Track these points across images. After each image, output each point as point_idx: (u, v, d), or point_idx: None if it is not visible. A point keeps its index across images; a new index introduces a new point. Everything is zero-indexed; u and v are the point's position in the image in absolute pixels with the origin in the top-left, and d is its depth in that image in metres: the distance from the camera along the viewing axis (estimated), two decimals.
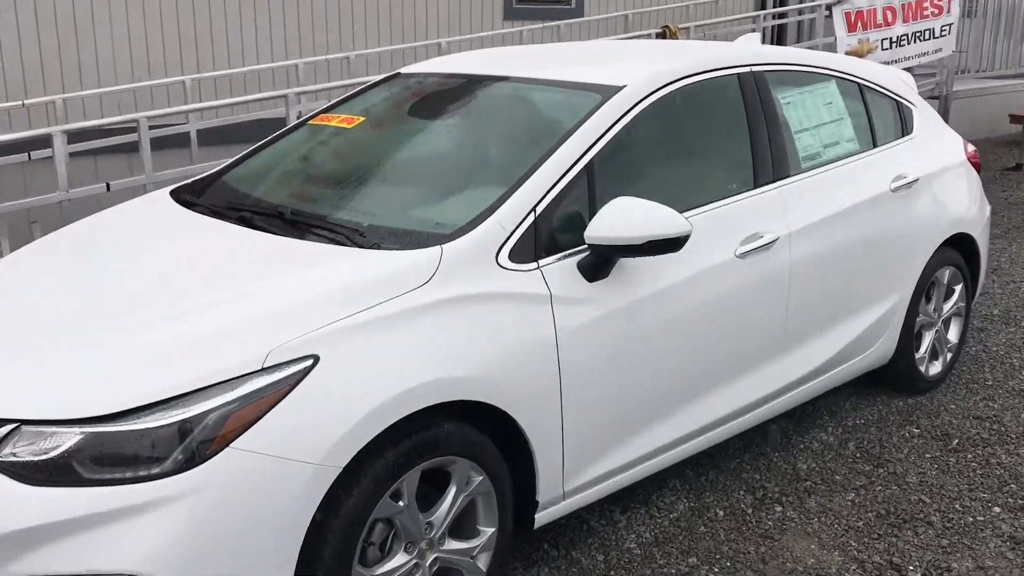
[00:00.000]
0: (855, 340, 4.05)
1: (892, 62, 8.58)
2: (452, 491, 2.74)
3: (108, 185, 4.80)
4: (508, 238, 2.85)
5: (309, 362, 2.41)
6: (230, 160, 3.85)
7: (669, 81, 3.39)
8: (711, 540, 3.39)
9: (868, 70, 4.29)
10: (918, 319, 4.42)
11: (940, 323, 4.60)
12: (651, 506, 3.60)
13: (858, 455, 3.99)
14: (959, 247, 4.59)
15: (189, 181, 3.78)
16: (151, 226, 3.29)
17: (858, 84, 4.21)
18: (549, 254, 2.94)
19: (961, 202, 4.53)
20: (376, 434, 2.46)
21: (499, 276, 2.80)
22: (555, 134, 3.14)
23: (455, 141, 3.43)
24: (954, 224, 4.46)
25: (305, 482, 2.34)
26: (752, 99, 3.65)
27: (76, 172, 5.63)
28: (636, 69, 3.43)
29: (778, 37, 10.82)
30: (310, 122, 3.94)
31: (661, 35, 7.64)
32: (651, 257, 3.07)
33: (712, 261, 3.32)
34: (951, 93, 9.40)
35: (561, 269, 2.93)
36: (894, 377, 4.51)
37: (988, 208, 4.82)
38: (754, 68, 3.72)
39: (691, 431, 3.38)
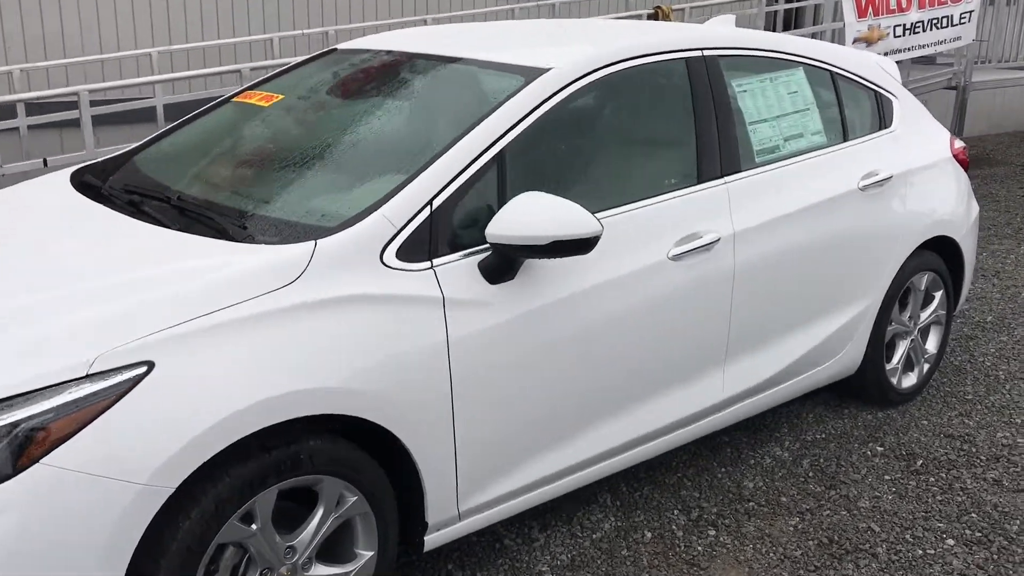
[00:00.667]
0: (814, 349, 3.75)
1: (905, 50, 8.20)
2: (319, 513, 2.49)
3: (45, 161, 4.58)
4: (397, 234, 2.58)
5: (141, 369, 2.16)
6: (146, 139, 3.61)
7: (602, 65, 3.10)
8: (632, 566, 3.12)
9: (843, 57, 3.96)
10: (890, 327, 4.11)
11: (916, 332, 4.28)
12: (575, 524, 3.33)
13: (811, 474, 3.70)
14: (940, 251, 4.26)
15: (98, 161, 3.55)
16: (28, 212, 3.06)
17: (830, 72, 3.88)
18: (448, 253, 2.67)
19: (943, 202, 4.20)
20: (219, 451, 2.21)
21: (383, 276, 2.54)
22: (468, 119, 2.86)
23: (367, 124, 3.16)
24: (934, 226, 4.13)
25: (127, 505, 2.10)
26: (701, 86, 3.35)
27: (40, 144, 5.43)
28: (568, 51, 3.15)
29: (796, 21, 10.41)
30: (235, 99, 3.69)
31: (653, 16, 7.31)
32: (565, 260, 2.80)
33: (640, 263, 3.03)
34: (970, 84, 8.98)
35: (459, 269, 2.66)
36: (862, 389, 4.20)
37: (976, 210, 4.48)
38: (706, 53, 3.41)
39: (614, 447, 3.11)
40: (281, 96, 3.48)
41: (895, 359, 4.21)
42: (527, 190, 2.72)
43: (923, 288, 4.21)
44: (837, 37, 8.88)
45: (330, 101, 3.43)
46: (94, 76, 6.40)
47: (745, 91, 3.53)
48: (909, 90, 8.43)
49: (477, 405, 2.69)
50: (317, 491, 2.48)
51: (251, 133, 3.39)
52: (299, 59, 3.90)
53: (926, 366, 4.38)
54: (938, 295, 4.33)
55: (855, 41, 7.81)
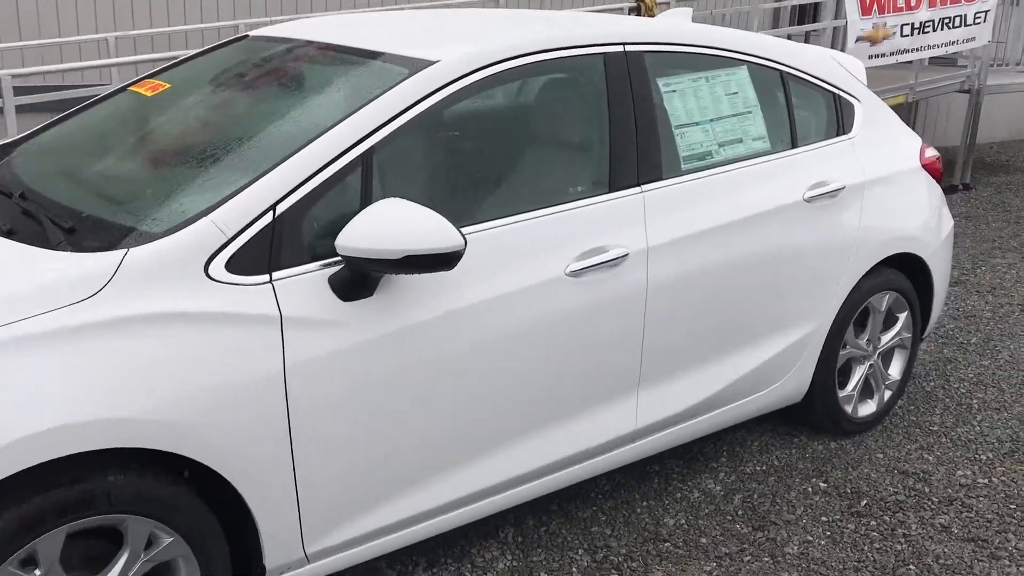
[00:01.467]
0: (751, 375, 3.43)
1: (913, 50, 7.79)
2: (124, 556, 2.22)
3: None
4: (228, 244, 2.30)
5: None
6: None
7: (499, 59, 2.79)
8: None
9: (796, 56, 3.62)
10: (843, 351, 3.77)
11: (876, 357, 3.93)
12: (466, 561, 3.04)
13: (740, 512, 3.37)
14: (905, 269, 3.91)
15: None
16: None
17: (780, 72, 3.54)
18: (293, 265, 2.38)
19: (908, 216, 3.84)
20: None
21: (208, 291, 2.26)
22: (337, 115, 2.57)
23: (233, 119, 2.89)
24: (896, 242, 3.78)
25: None
26: (618, 85, 3.03)
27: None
28: (463, 43, 2.85)
29: (799, 18, 9.98)
30: (130, 87, 3.42)
31: (635, 9, 6.96)
32: (440, 273, 2.51)
33: (531, 280, 2.73)
34: (984, 87, 8.52)
35: (304, 284, 2.38)
36: (813, 417, 3.86)
37: (949, 225, 4.12)
38: (629, 48, 3.09)
39: (496, 483, 2.81)
40: (167, 85, 3.21)
41: (850, 385, 3.87)
42: (399, 196, 2.43)
43: (883, 309, 3.86)
44: (839, 36, 8.48)
45: (208, 93, 3.15)
46: (52, 59, 6.19)
47: (674, 91, 3.20)
48: (918, 92, 8.09)
49: (321, 440, 2.41)
50: (122, 531, 2.20)
51: (122, 125, 3.13)
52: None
53: (887, 393, 4.03)
54: (902, 317, 3.97)
55: (858, 40, 7.42)
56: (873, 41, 7.54)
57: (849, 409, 3.87)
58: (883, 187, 3.73)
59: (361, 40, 3.01)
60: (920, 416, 4.13)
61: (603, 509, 3.36)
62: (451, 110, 2.73)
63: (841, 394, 3.83)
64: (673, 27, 3.31)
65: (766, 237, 3.32)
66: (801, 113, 3.62)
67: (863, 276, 3.70)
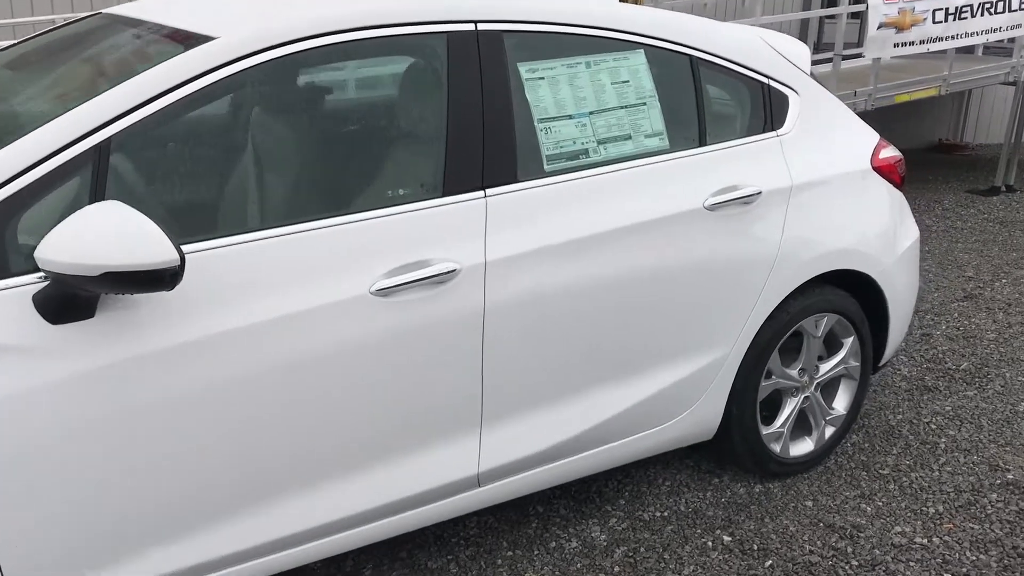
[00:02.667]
0: (637, 409, 2.95)
1: (947, 38, 7.09)
2: None
3: None
4: None
5: None
6: None
7: (296, 38, 2.36)
8: None
9: (714, 38, 3.10)
10: (767, 382, 3.26)
11: (814, 388, 3.41)
12: None
13: (617, 570, 2.91)
14: (853, 288, 3.38)
15: None
16: None
17: (690, 58, 3.04)
18: None
19: (851, 227, 3.30)
20: None
21: None
22: (83, 99, 2.18)
23: (26, 104, 2.51)
24: (834, 257, 3.25)
25: None
26: (463, 70, 2.58)
27: None
28: (256, 17, 2.43)
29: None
30: None
31: None
32: (192, 291, 2.11)
33: (320, 300, 2.31)
34: None
35: (2, 303, 2.00)
36: (734, 456, 3.36)
37: (912, 237, 3.55)
38: (482, 27, 2.64)
39: (285, 536, 2.40)
40: None
41: (778, 421, 3.35)
42: (141, 198, 2.04)
43: (820, 334, 3.33)
44: (858, 22, 7.81)
45: (19, 72, 2.80)
46: None
47: (541, 78, 2.74)
48: (952, 84, 7.38)
49: (23, 493, 2.03)
50: None
51: None
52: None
53: (830, 430, 3.50)
54: (848, 343, 3.44)
55: (881, 27, 6.77)
56: (899, 28, 6.87)
57: (777, 448, 3.36)
58: (818, 192, 3.20)
59: (184, 17, 2.61)
60: (873, 456, 3.59)
61: (459, 559, 2.92)
62: (232, 95, 2.32)
63: (766, 431, 3.32)
64: (550, 3, 2.83)
65: (653, 251, 2.83)
66: (715, 106, 3.12)
67: (790, 296, 3.18)
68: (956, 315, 5.04)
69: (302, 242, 2.30)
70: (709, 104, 3.08)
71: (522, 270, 2.59)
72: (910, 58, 7.60)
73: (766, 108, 3.19)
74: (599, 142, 2.82)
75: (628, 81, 2.90)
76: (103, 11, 3.10)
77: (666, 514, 3.19)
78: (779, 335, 3.21)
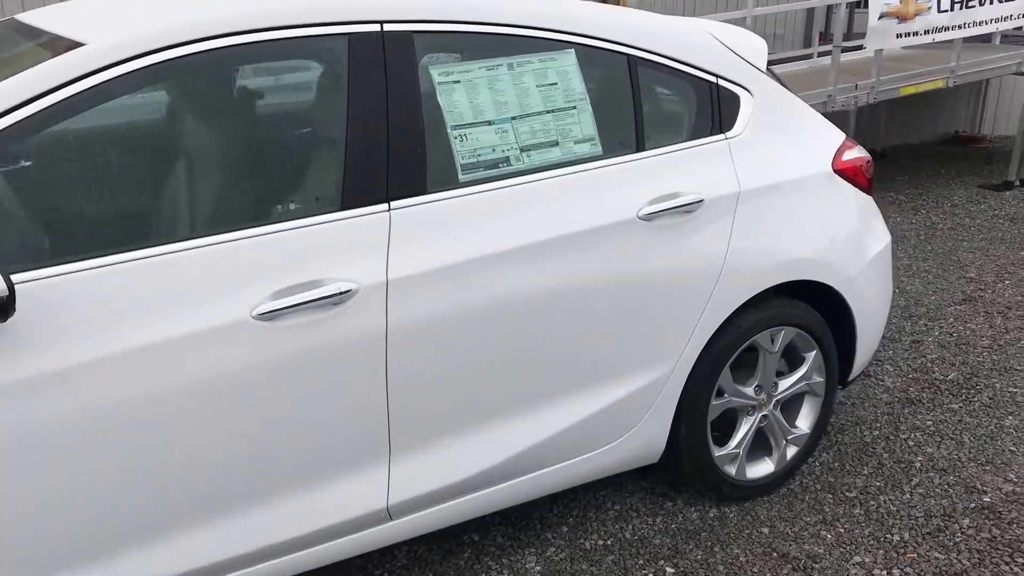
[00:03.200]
0: (569, 433, 2.77)
1: (954, 27, 6.81)
2: None
3: None
4: None
5: None
6: None
7: (172, 43, 2.19)
8: None
9: (655, 35, 2.89)
10: (719, 401, 3.06)
11: (773, 406, 3.20)
12: None
13: None
14: (815, 299, 3.18)
15: None
16: None
17: (628, 57, 2.84)
18: None
19: (809, 234, 3.09)
20: None
21: None
22: None
23: None
24: (789, 267, 3.04)
25: None
26: (366, 75, 2.40)
27: None
28: (128, 23, 2.27)
29: None
30: None
31: None
32: (49, 319, 1.97)
33: (193, 326, 2.14)
34: None
35: None
36: (686, 479, 3.17)
37: (880, 245, 3.33)
38: (389, 27, 2.46)
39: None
40: None
41: (733, 442, 3.16)
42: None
43: (777, 350, 3.13)
44: (857, 12, 7.53)
45: None
46: None
47: (456, 82, 2.56)
48: (960, 76, 7.10)
49: None
50: None
51: None
52: None
53: (792, 450, 3.30)
54: (810, 358, 3.23)
55: (882, 17, 6.51)
56: (902, 18, 6.61)
57: (732, 470, 3.16)
58: (770, 199, 3.00)
59: (64, 23, 2.45)
60: (841, 477, 3.37)
61: None
62: (98, 107, 2.16)
63: (719, 452, 3.12)
64: (467, 0, 2.64)
65: (580, 264, 2.65)
66: (656, 108, 2.92)
67: (741, 309, 2.98)
68: (951, 320, 4.80)
69: (175, 264, 2.14)
70: (649, 106, 2.88)
71: (431, 288, 2.42)
72: (920, 48, 7.33)
73: (714, 109, 2.99)
74: (522, 149, 2.64)
75: (556, 83, 2.71)
76: (15, 16, 2.96)
77: (609, 542, 3.00)
78: (730, 351, 3.01)
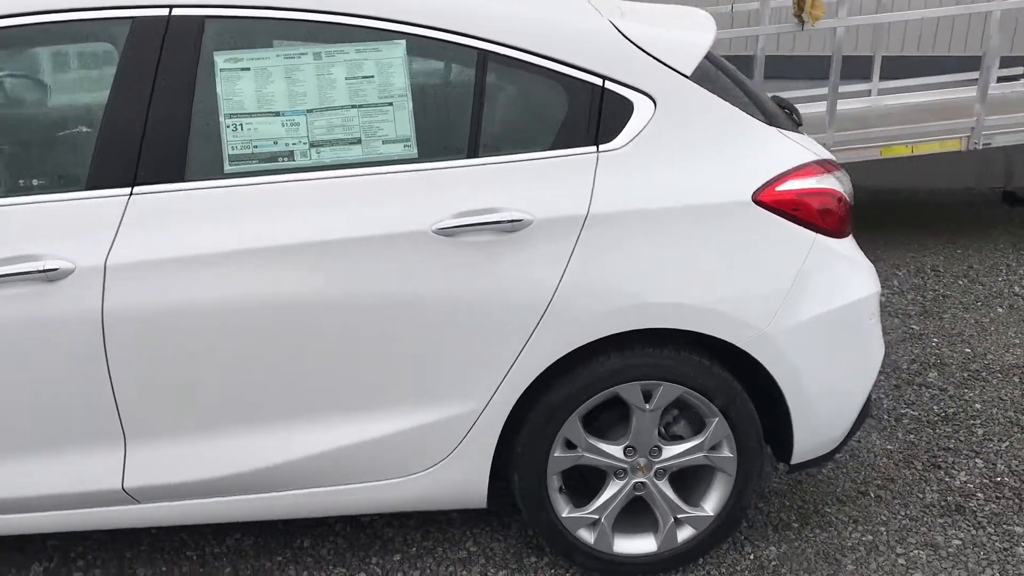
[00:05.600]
0: (339, 455, 2.56)
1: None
2: None
3: None
4: None
5: None
6: None
7: None
8: None
9: (522, 27, 2.51)
10: (568, 453, 2.65)
11: (654, 474, 2.70)
12: None
13: None
14: (728, 357, 2.63)
15: None
16: None
17: (479, 52, 2.53)
18: None
19: (690, 275, 2.52)
20: None
21: None
22: None
23: None
24: (660, 311, 2.51)
25: None
26: (137, 60, 2.40)
27: None
28: None
29: None
30: None
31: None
32: None
33: None
34: None
35: None
36: (537, 537, 2.79)
37: (841, 300, 2.63)
38: (178, 11, 2.44)
39: None
40: None
41: (592, 505, 2.71)
42: None
43: (652, 407, 2.62)
44: None
45: None
46: None
47: (245, 69, 2.47)
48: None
49: None
50: None
51: None
52: None
53: (687, 531, 2.76)
54: (712, 426, 2.66)
55: None
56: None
57: (589, 538, 2.72)
58: (635, 227, 2.49)
59: None
60: (760, 552, 2.75)
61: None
62: None
63: (569, 513, 2.70)
64: None
65: (349, 274, 2.43)
66: (508, 112, 2.59)
67: (597, 352, 2.55)
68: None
69: None
70: (498, 109, 2.56)
71: (162, 278, 2.38)
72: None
73: (591, 116, 2.56)
74: (312, 144, 2.48)
75: (373, 76, 2.51)
76: None
77: None
78: (576, 399, 2.58)
